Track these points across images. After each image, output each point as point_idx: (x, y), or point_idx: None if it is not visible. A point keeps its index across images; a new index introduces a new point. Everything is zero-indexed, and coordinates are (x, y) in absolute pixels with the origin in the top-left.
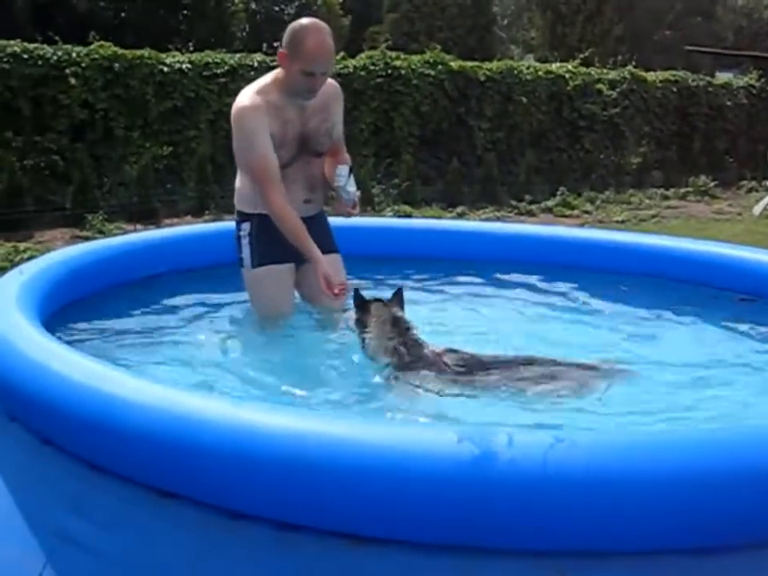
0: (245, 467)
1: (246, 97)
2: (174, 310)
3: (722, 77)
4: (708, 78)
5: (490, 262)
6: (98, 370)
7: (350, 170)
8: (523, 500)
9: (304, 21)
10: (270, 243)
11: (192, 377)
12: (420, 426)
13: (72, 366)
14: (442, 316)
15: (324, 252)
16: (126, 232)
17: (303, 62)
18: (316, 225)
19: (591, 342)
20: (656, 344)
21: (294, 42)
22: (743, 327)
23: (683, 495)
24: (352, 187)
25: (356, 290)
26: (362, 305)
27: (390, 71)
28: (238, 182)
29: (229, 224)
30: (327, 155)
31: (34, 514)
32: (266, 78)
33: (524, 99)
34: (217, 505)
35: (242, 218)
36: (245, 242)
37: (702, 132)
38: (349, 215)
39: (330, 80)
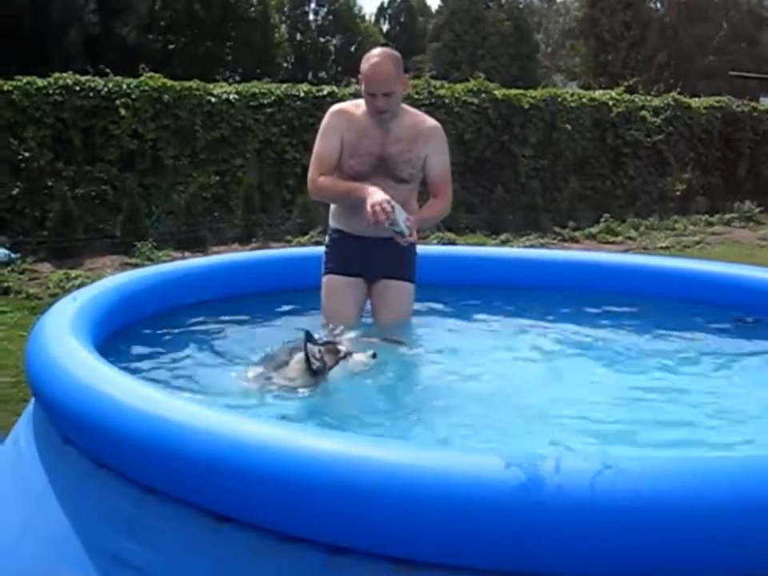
0: (298, 490)
1: (337, 104)
2: (224, 335)
3: (767, 102)
4: (753, 104)
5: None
6: (152, 395)
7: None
8: (570, 527)
9: (373, 50)
10: (338, 255)
11: (244, 402)
12: (467, 451)
13: (126, 390)
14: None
15: (389, 277)
16: (174, 259)
17: (365, 84)
18: (387, 248)
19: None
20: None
21: (361, 68)
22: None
23: (735, 522)
24: (401, 218)
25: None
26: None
27: (433, 100)
28: None
29: (277, 251)
30: (432, 194)
31: (88, 537)
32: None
33: (568, 127)
34: (270, 528)
35: (328, 231)
36: (324, 251)
37: (747, 157)
38: (408, 243)
39: (432, 121)
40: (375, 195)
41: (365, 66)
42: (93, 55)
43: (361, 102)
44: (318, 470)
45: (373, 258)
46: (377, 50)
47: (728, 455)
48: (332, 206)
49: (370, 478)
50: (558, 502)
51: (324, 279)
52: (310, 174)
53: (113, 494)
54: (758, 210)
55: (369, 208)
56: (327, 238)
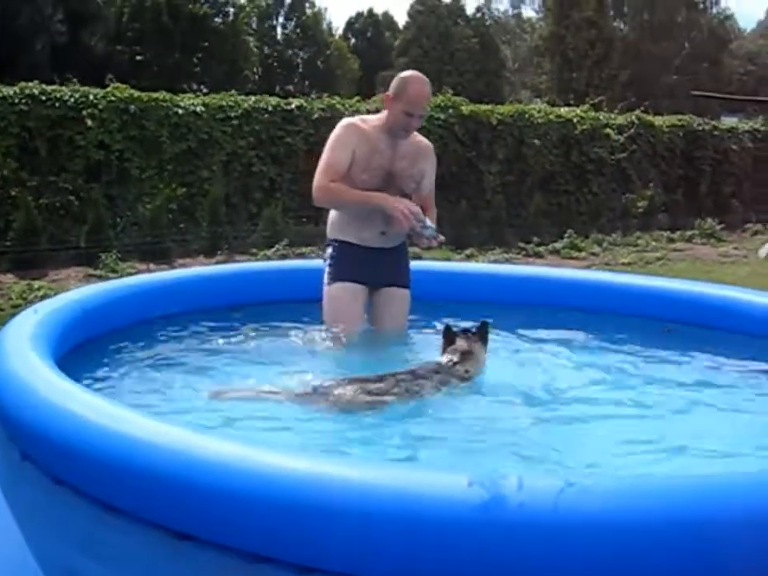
0: (260, 510)
1: (346, 120)
2: (187, 350)
3: (728, 121)
4: (714, 123)
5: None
6: (112, 410)
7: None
8: (533, 545)
9: (412, 72)
10: (346, 264)
11: (206, 418)
12: (429, 469)
13: (86, 405)
14: None
15: (391, 285)
16: (138, 271)
17: (405, 103)
18: (390, 258)
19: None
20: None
21: (400, 87)
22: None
23: (699, 541)
24: (430, 223)
25: (447, 325)
26: (448, 334)
27: None
28: (330, 211)
29: (242, 265)
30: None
31: (46, 554)
32: (371, 115)
33: (537, 142)
34: (234, 547)
35: (328, 243)
36: (327, 263)
37: (708, 175)
38: (438, 245)
39: (425, 140)
40: (398, 201)
41: (409, 87)
42: (60, 65)
43: (367, 117)
44: (282, 489)
45: (379, 267)
46: (414, 73)
47: (690, 474)
48: (334, 219)
49: (335, 497)
50: (521, 520)
51: (333, 287)
52: (320, 181)
53: (71, 510)
54: (718, 227)
55: (399, 213)
56: (331, 249)
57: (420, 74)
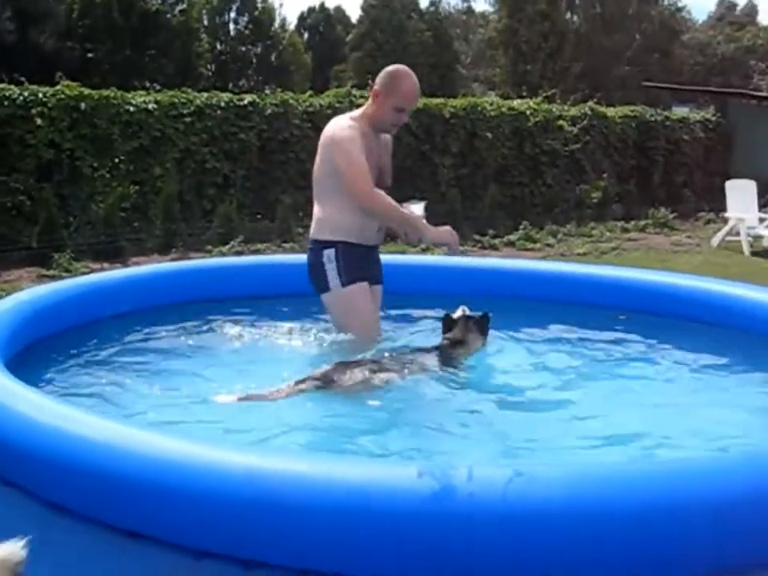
0: (207, 506)
1: (343, 121)
2: (138, 348)
3: (679, 111)
4: (665, 113)
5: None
6: (60, 410)
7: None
8: (483, 534)
9: (400, 67)
10: (356, 264)
11: (156, 416)
12: (380, 461)
13: (34, 405)
14: None
15: (379, 283)
16: (92, 271)
17: (397, 99)
18: (377, 256)
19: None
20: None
21: (390, 83)
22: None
23: (645, 529)
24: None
25: (446, 313)
26: (446, 322)
27: (355, 109)
28: (319, 213)
29: (194, 262)
30: None
31: None
32: (355, 113)
33: (489, 135)
34: (181, 544)
35: (325, 245)
36: (330, 266)
37: (661, 165)
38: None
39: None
40: (442, 232)
41: (400, 82)
42: (8, 63)
43: (354, 115)
44: (228, 485)
45: (372, 264)
46: (402, 67)
47: (640, 462)
48: (332, 219)
49: (283, 491)
50: (471, 510)
51: (350, 288)
52: (363, 185)
53: (21, 512)
54: (671, 216)
55: (449, 235)
56: (333, 251)
57: (407, 68)
